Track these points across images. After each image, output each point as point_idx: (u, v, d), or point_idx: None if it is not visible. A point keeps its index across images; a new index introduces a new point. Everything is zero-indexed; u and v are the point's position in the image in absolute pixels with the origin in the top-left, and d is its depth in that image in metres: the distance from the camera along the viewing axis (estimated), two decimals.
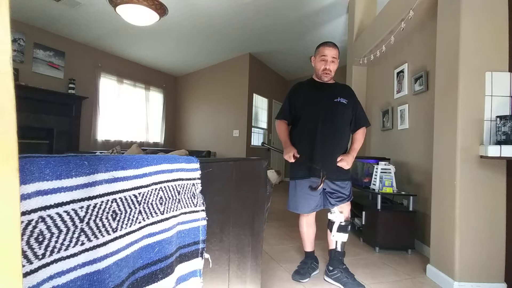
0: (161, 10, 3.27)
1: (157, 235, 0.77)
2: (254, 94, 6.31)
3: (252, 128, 6.32)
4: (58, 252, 0.52)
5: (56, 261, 0.51)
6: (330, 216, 1.91)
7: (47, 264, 0.49)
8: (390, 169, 2.66)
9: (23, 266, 0.46)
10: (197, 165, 0.93)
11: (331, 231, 1.90)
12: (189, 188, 0.90)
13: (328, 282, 1.87)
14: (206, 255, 0.96)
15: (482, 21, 1.80)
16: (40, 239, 0.49)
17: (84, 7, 3.97)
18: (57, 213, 0.52)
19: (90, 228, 0.58)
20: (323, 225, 2.09)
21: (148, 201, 0.74)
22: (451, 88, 1.87)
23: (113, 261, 0.62)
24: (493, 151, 1.63)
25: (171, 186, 0.83)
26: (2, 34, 0.31)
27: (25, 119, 4.28)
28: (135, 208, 0.70)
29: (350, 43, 4.04)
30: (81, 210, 0.56)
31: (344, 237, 1.87)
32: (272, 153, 7.11)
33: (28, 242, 0.47)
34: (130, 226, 0.68)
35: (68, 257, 0.53)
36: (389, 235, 2.46)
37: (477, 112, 1.78)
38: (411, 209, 2.48)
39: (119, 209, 0.65)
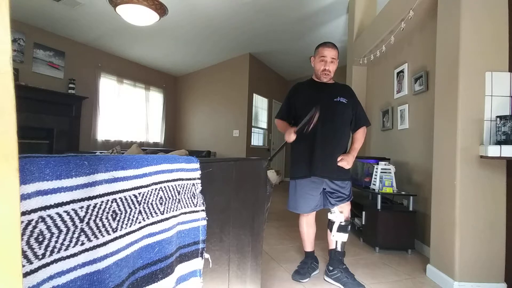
0: (161, 10, 3.27)
1: (157, 235, 0.77)
2: (254, 94, 6.31)
3: (252, 128, 6.32)
4: (58, 252, 0.52)
5: (56, 261, 0.51)
6: (330, 216, 1.91)
7: (47, 264, 0.49)
8: (390, 169, 2.66)
9: (23, 266, 0.46)
10: (197, 165, 0.93)
11: (331, 231, 1.90)
12: (189, 188, 0.90)
13: (328, 282, 1.87)
14: (206, 255, 0.96)
15: (482, 21, 1.80)
16: (40, 239, 0.49)
17: (84, 7, 3.97)
18: (57, 213, 0.52)
19: (90, 228, 0.58)
20: (323, 225, 2.09)
21: (148, 201, 0.74)
22: (451, 88, 1.87)
23: (113, 261, 0.62)
24: (493, 151, 1.63)
25: (171, 186, 0.83)
26: (2, 34, 0.31)
27: (25, 119, 4.28)
28: (135, 208, 0.70)
29: (350, 43, 4.04)
30: (81, 210, 0.56)
31: (344, 237, 1.87)
32: (272, 153, 7.11)
33: (28, 242, 0.47)
34: (130, 226, 0.68)
35: (68, 257, 0.53)
36: (389, 235, 2.46)
37: (477, 112, 1.78)
38: (411, 209, 2.48)
39: (119, 209, 0.65)
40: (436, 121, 2.04)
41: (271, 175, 1.39)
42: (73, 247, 0.54)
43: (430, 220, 2.09)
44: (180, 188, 0.86)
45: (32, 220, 0.48)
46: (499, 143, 1.68)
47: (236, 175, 1.13)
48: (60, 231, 0.52)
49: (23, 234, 0.46)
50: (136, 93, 6.38)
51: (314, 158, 1.81)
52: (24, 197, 0.46)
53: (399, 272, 2.06)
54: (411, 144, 2.80)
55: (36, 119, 4.46)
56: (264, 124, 7.01)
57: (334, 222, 1.88)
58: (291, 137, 1.75)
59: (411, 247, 2.47)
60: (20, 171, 0.42)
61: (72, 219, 0.54)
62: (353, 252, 2.45)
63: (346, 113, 1.87)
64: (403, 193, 2.60)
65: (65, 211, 0.53)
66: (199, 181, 0.94)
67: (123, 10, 3.20)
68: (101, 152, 3.35)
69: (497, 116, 1.72)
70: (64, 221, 0.53)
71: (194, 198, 0.92)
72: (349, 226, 1.89)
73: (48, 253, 0.50)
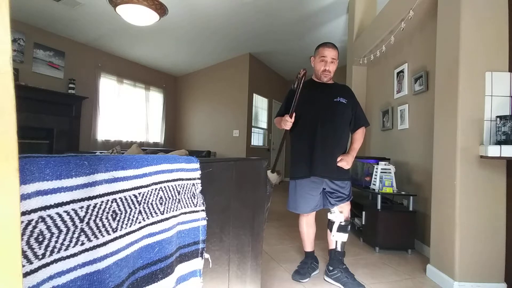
0: (161, 10, 3.27)
1: (157, 235, 0.77)
2: (254, 94, 6.31)
3: (252, 128, 6.32)
4: (58, 252, 0.52)
5: (56, 261, 0.51)
6: (330, 216, 1.91)
7: (47, 264, 0.49)
8: (390, 169, 2.66)
9: (23, 266, 0.46)
10: (197, 165, 0.93)
11: (331, 231, 1.90)
12: (189, 188, 0.90)
13: (328, 282, 1.87)
14: (206, 255, 0.96)
15: (482, 21, 1.80)
16: (40, 239, 0.49)
17: (84, 7, 3.97)
18: (57, 213, 0.52)
19: (90, 228, 0.58)
20: (323, 225, 2.09)
21: (148, 201, 0.74)
22: (451, 88, 1.87)
23: (113, 261, 0.62)
24: (493, 151, 1.63)
25: (171, 186, 0.83)
26: (2, 34, 0.31)
27: (25, 119, 4.27)
28: (135, 208, 0.70)
29: (350, 43, 4.04)
30: (81, 210, 0.56)
31: (344, 237, 1.87)
32: (272, 153, 7.12)
33: (28, 242, 0.47)
34: (130, 226, 0.68)
35: (68, 257, 0.53)
36: (389, 235, 2.46)
37: (477, 112, 1.78)
38: (411, 209, 2.48)
39: (119, 209, 0.65)
40: (436, 121, 2.04)
41: (271, 175, 1.39)
42: (73, 247, 0.54)
43: (430, 220, 2.09)
44: (180, 188, 0.86)
45: (32, 220, 0.48)
46: (499, 143, 1.68)
47: (236, 175, 1.13)
48: (60, 231, 0.52)
49: (23, 234, 0.46)
50: (136, 93, 6.37)
51: (314, 158, 1.81)
52: (24, 197, 0.46)
53: (399, 272, 2.06)
54: (411, 144, 2.80)
55: (36, 119, 4.46)
56: (264, 124, 7.01)
57: (334, 222, 1.88)
58: (287, 123, 1.72)
59: (411, 247, 2.47)
60: (20, 171, 0.42)
61: (72, 219, 0.54)
62: (353, 252, 2.45)
63: (346, 113, 1.87)
64: (403, 193, 2.60)
65: (65, 211, 0.53)
66: (199, 181, 0.94)
67: (123, 10, 3.20)
68: (101, 152, 3.35)
69: (497, 116, 1.72)
70: (64, 221, 0.53)
71: (194, 198, 0.92)
72: (349, 226, 1.89)
73: (48, 253, 0.50)
